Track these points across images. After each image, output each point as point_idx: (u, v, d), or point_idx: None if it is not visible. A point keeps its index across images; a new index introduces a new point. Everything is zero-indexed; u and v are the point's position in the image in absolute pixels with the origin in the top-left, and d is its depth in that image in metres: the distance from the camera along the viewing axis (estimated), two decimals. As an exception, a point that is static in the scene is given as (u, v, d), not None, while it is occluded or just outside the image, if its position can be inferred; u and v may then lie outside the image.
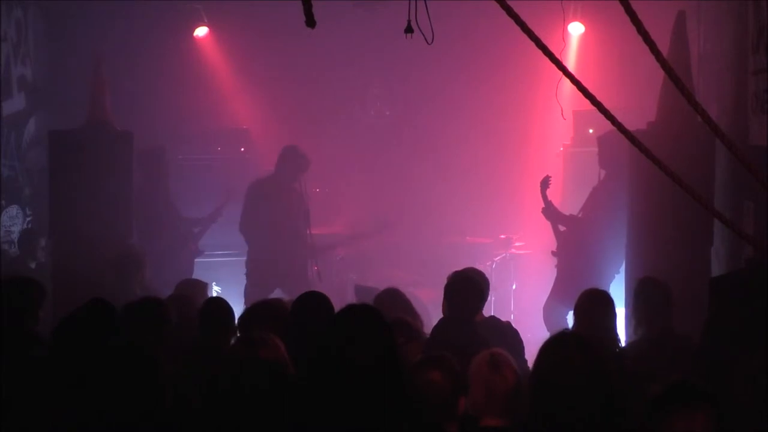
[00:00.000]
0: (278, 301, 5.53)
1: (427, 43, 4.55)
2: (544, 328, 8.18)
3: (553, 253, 8.33)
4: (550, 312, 8.14)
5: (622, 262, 7.68)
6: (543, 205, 8.28)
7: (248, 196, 8.96)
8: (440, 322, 5.56)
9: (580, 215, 8.22)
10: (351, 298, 7.93)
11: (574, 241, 8.11)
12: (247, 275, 8.92)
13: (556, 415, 3.36)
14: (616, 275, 7.89)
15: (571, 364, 3.37)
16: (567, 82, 3.78)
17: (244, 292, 8.75)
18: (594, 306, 5.37)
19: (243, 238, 9.04)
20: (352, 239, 9.65)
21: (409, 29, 4.34)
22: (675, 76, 3.56)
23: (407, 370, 3.87)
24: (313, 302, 4.92)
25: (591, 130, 9.53)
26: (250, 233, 8.94)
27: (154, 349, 4.63)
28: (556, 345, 3.53)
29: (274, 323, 4.63)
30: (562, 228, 8.29)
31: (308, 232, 8.88)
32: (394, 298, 5.86)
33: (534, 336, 8.53)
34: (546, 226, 8.45)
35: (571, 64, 9.84)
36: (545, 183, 8.23)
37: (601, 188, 8.10)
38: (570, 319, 7.47)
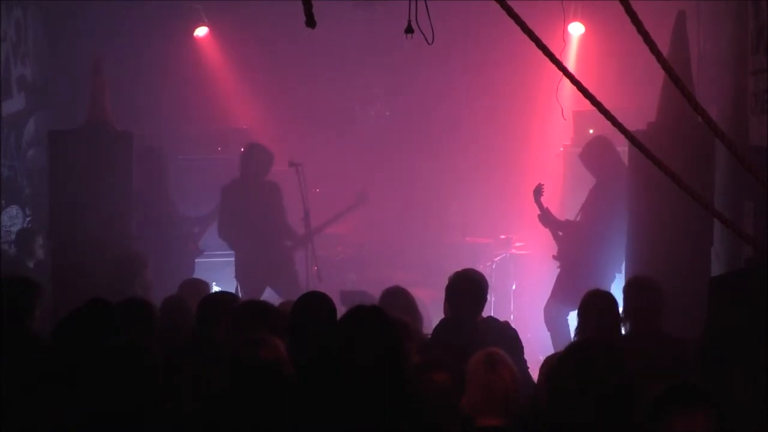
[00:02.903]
0: (269, 304, 5.48)
1: (428, 43, 4.54)
2: (545, 328, 8.18)
3: (554, 257, 8.33)
4: (551, 313, 8.14)
5: (622, 262, 7.68)
6: (539, 212, 8.28)
7: (221, 201, 8.91)
8: (441, 322, 5.56)
9: (579, 216, 8.22)
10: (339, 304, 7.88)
11: (574, 243, 8.11)
12: (237, 278, 8.87)
13: (567, 417, 3.32)
14: (617, 275, 7.89)
15: (594, 372, 3.32)
16: (567, 82, 3.77)
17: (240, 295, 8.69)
18: (598, 306, 5.36)
19: (225, 243, 9.02)
20: (332, 221, 9.48)
21: (409, 29, 4.33)
22: (675, 76, 3.56)
23: (410, 371, 3.88)
24: (315, 302, 4.89)
25: (591, 130, 9.52)
26: (229, 237, 8.92)
27: (152, 349, 4.63)
28: (579, 352, 3.48)
29: (267, 324, 4.58)
30: (560, 232, 8.29)
31: (308, 232, 8.85)
32: (396, 296, 5.81)
33: (534, 336, 8.55)
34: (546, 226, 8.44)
35: (571, 64, 9.83)
36: (538, 191, 8.21)
37: (599, 189, 8.10)
38: (571, 320, 7.47)
